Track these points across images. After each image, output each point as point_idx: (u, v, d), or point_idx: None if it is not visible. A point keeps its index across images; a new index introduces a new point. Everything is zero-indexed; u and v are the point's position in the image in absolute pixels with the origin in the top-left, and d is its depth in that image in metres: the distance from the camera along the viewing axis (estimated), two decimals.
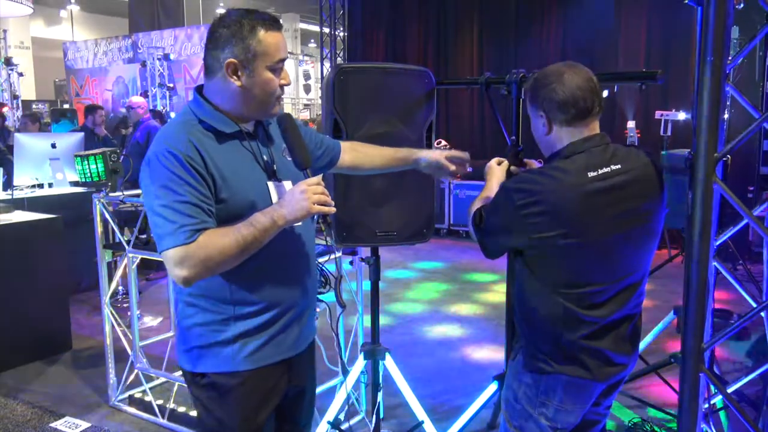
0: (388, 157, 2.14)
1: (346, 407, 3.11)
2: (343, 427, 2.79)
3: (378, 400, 2.81)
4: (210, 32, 1.59)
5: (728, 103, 5.31)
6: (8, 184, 5.37)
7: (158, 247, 1.53)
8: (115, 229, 3.48)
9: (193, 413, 3.09)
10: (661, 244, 6.08)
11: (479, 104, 9.04)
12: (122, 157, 3.80)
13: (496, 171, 1.99)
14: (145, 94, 11.61)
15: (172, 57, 12.04)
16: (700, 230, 1.75)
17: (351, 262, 3.36)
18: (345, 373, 2.77)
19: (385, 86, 2.51)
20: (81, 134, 6.04)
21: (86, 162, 3.57)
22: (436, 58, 9.45)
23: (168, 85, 11.73)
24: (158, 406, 3.35)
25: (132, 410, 3.48)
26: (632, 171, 1.70)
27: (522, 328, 1.84)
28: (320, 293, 2.45)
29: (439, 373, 3.98)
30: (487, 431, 3.16)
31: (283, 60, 1.61)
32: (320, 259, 2.61)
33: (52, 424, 3.34)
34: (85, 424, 3.35)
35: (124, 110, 7.66)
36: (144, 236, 3.33)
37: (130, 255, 3.37)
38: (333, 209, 1.57)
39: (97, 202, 3.45)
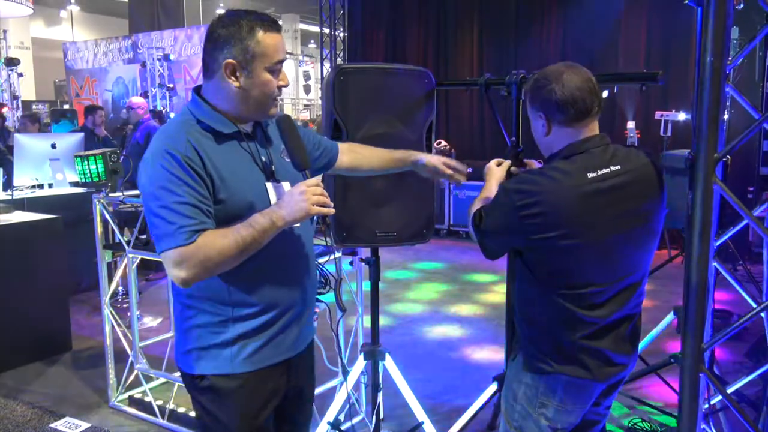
0: (386, 159, 2.14)
1: (347, 408, 3.11)
2: (343, 427, 2.79)
3: (378, 401, 2.81)
4: (208, 33, 1.59)
5: (728, 104, 5.32)
6: (8, 185, 5.37)
7: (157, 248, 1.53)
8: (115, 229, 3.48)
9: (193, 414, 3.09)
10: (661, 244, 6.08)
11: (479, 105, 9.04)
12: (122, 157, 3.80)
13: (496, 172, 1.99)
14: (145, 95, 11.60)
15: (172, 57, 12.03)
16: (700, 230, 1.75)
17: (351, 263, 3.36)
18: (345, 374, 2.77)
19: (385, 87, 2.51)
20: (81, 135, 6.04)
21: (86, 162, 3.57)
22: (436, 58, 9.45)
23: (168, 85, 11.72)
24: (158, 406, 3.35)
25: (132, 411, 3.48)
26: (632, 172, 1.70)
27: (522, 329, 1.84)
28: (320, 293, 2.45)
29: (439, 373, 3.98)
30: None
31: (281, 61, 1.61)
32: (320, 260, 2.61)
33: (52, 425, 3.34)
34: (84, 425, 3.35)
35: (125, 111, 7.64)
36: (144, 237, 3.33)
37: (130, 255, 3.37)
38: (332, 210, 1.57)
39: (97, 203, 3.45)
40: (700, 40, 1.70)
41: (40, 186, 5.49)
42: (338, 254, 3.10)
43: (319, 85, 17.48)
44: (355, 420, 3.25)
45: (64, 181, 5.56)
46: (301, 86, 22.63)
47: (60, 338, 4.40)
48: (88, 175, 3.58)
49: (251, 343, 1.64)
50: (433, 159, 2.13)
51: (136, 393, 3.50)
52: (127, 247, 3.35)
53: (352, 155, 2.09)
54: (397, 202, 2.57)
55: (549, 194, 1.63)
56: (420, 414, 2.81)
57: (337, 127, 2.44)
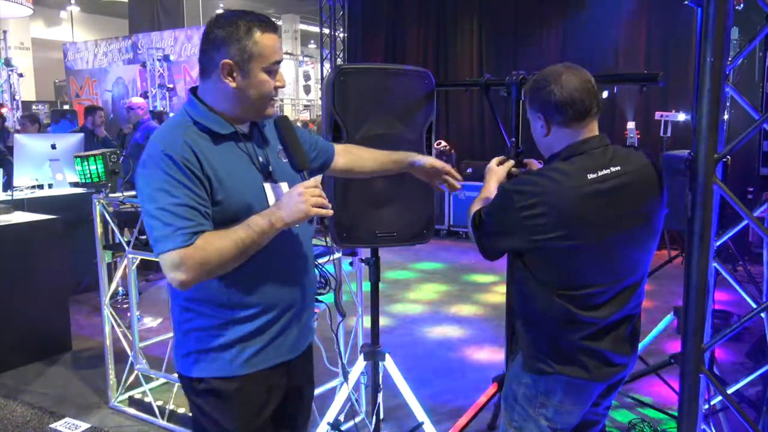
0: (383, 161, 2.13)
1: (347, 408, 3.11)
2: (343, 428, 2.79)
3: (378, 401, 2.81)
4: (205, 33, 1.58)
5: (728, 104, 5.31)
6: (8, 185, 5.37)
7: (154, 250, 1.51)
8: (115, 229, 3.48)
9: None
10: (661, 244, 6.08)
11: (479, 105, 9.04)
12: (122, 157, 3.80)
13: (497, 172, 1.99)
14: (145, 95, 11.62)
15: (172, 58, 12.03)
16: (700, 231, 1.75)
17: (351, 263, 3.37)
18: (345, 376, 2.77)
19: (385, 87, 2.51)
20: (81, 135, 6.04)
21: (86, 163, 3.57)
22: (435, 58, 9.45)
23: (168, 86, 11.73)
24: (158, 407, 3.35)
25: (132, 411, 3.48)
26: (632, 172, 1.70)
27: (522, 329, 1.84)
28: (320, 294, 2.45)
29: (439, 374, 3.98)
30: None
31: (278, 62, 1.61)
32: (320, 260, 2.61)
33: (52, 425, 3.34)
34: (84, 425, 3.35)
35: (126, 119, 7.64)
36: (144, 237, 3.33)
37: (130, 256, 3.37)
38: (330, 212, 1.56)
39: (97, 203, 3.45)
40: (700, 40, 1.70)
41: (40, 186, 5.49)
42: (338, 254, 3.10)
43: (319, 86, 17.47)
44: (355, 420, 3.25)
45: (64, 182, 5.56)
46: (301, 87, 22.64)
47: (60, 338, 4.40)
48: (88, 175, 3.58)
49: (251, 345, 1.63)
50: (428, 161, 2.12)
51: (136, 393, 3.50)
52: (127, 248, 3.35)
53: (348, 156, 2.08)
54: (397, 202, 2.57)
55: (549, 195, 1.63)
56: (420, 414, 2.81)
57: (336, 127, 2.44)
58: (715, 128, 1.70)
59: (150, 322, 4.89)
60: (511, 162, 2.02)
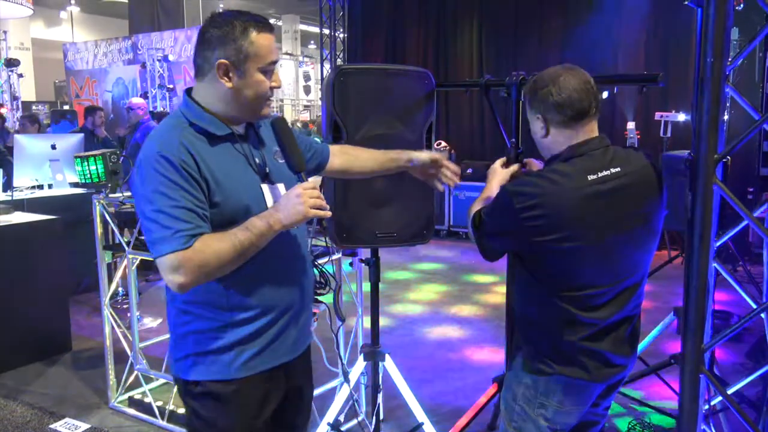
0: (379, 160, 2.11)
1: (347, 409, 3.11)
2: (343, 428, 2.79)
3: (378, 402, 2.81)
4: (201, 33, 1.57)
5: (728, 105, 5.31)
6: (8, 186, 5.37)
7: (152, 252, 1.50)
8: (115, 230, 3.48)
9: None
10: (661, 245, 6.07)
11: (479, 106, 9.04)
12: (122, 158, 3.80)
13: (499, 173, 1.99)
14: (145, 96, 11.62)
15: (171, 58, 12.04)
16: (700, 231, 1.75)
17: (351, 264, 3.36)
18: (346, 377, 2.77)
19: (385, 87, 2.51)
20: (81, 135, 6.04)
21: (86, 163, 3.57)
22: (435, 59, 9.45)
23: (168, 86, 11.73)
24: (158, 407, 3.35)
25: (132, 411, 3.48)
26: (632, 174, 1.70)
27: (522, 330, 1.84)
28: (320, 294, 2.45)
29: (439, 374, 3.98)
30: None
31: (274, 62, 1.60)
32: (320, 261, 2.61)
33: (52, 426, 3.34)
34: (84, 426, 3.35)
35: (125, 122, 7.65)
36: (144, 237, 3.33)
37: (130, 256, 3.37)
38: (329, 213, 1.56)
39: (97, 203, 3.45)
40: (700, 40, 1.70)
41: (40, 187, 5.49)
42: (338, 255, 3.10)
43: (319, 86, 17.49)
44: (355, 421, 3.25)
45: (63, 182, 5.56)
46: (301, 87, 22.64)
47: (60, 339, 4.40)
48: (88, 175, 3.58)
49: (249, 348, 1.62)
50: (427, 155, 2.10)
51: (136, 394, 3.50)
52: (126, 248, 3.35)
53: (344, 157, 2.07)
54: (397, 202, 2.57)
55: (549, 197, 1.63)
56: (420, 415, 2.81)
57: (337, 128, 2.44)
58: (715, 128, 1.70)
59: (150, 322, 4.89)
60: (516, 166, 2.02)
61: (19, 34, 17.33)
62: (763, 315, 2.02)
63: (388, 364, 2.77)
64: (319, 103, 18.30)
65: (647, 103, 7.57)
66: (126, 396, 3.56)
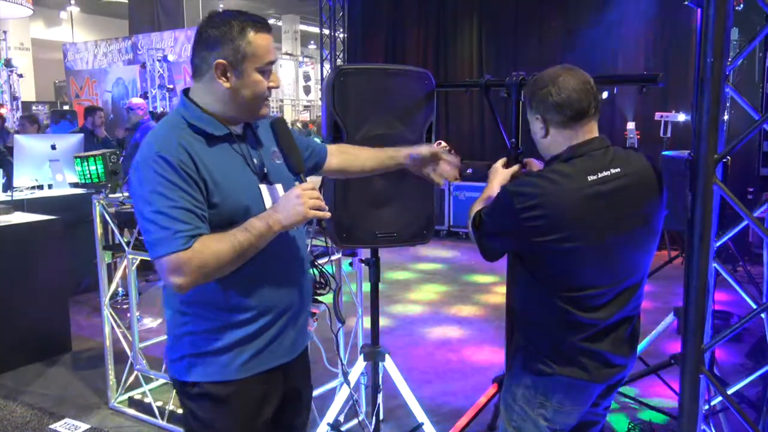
0: (377, 158, 2.09)
1: (347, 409, 3.11)
2: (343, 428, 2.79)
3: (378, 402, 2.81)
4: (198, 33, 1.57)
5: (728, 105, 5.31)
6: (8, 186, 5.37)
7: (151, 253, 1.49)
8: (115, 230, 3.48)
9: None
10: (661, 245, 6.07)
11: (479, 106, 9.05)
12: (122, 158, 3.80)
13: (500, 173, 1.99)
14: (145, 96, 11.62)
15: (171, 58, 12.03)
16: (700, 231, 1.75)
17: (351, 264, 3.36)
18: (346, 377, 2.76)
19: (385, 88, 2.51)
20: (81, 135, 6.04)
21: (86, 163, 3.57)
22: (435, 59, 9.45)
23: (168, 86, 11.73)
24: (158, 407, 3.35)
25: (131, 412, 3.48)
26: (632, 174, 1.70)
27: (522, 330, 1.84)
28: (320, 294, 2.45)
29: (439, 374, 3.98)
30: None
31: (272, 62, 1.59)
32: (320, 261, 2.61)
33: (52, 426, 3.34)
34: (84, 426, 3.35)
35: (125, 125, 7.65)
36: (142, 238, 3.33)
37: (130, 256, 3.37)
38: (328, 214, 1.56)
39: (97, 204, 3.45)
40: (700, 40, 1.70)
41: (40, 187, 5.49)
42: (338, 255, 3.10)
43: (319, 86, 17.49)
44: (355, 421, 3.25)
45: (63, 182, 5.56)
46: (301, 87, 22.65)
47: (60, 339, 4.40)
48: (88, 176, 3.58)
49: (247, 349, 1.61)
50: (425, 148, 2.08)
51: (136, 394, 3.50)
52: (126, 248, 3.35)
53: (341, 156, 2.06)
54: (397, 202, 2.57)
55: (550, 197, 1.63)
56: (420, 415, 2.81)
57: (336, 128, 2.43)
58: (715, 129, 1.70)
59: (150, 322, 4.88)
60: (517, 166, 2.02)
61: (19, 34, 17.34)
62: (763, 315, 2.02)
63: (388, 365, 2.77)
64: (319, 103, 18.30)
65: (647, 103, 7.56)
66: (126, 396, 3.56)
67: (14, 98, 11.84)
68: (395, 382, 2.81)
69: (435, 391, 3.69)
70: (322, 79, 12.33)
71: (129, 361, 3.51)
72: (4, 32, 13.47)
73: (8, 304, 4.08)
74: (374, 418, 2.83)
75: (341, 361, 2.67)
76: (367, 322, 2.96)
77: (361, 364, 2.83)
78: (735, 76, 1.87)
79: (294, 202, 1.52)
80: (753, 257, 5.53)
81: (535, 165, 2.06)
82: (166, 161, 1.47)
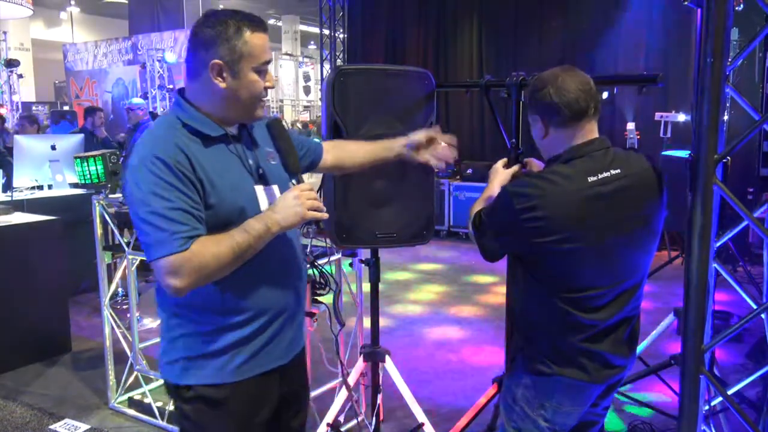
0: (372, 151, 2.08)
1: (346, 409, 3.11)
2: (343, 429, 2.78)
3: (378, 402, 2.80)
4: (193, 33, 1.55)
5: (728, 105, 5.31)
6: (8, 186, 5.37)
7: (147, 256, 1.47)
8: (115, 230, 3.48)
9: None
10: (661, 245, 6.07)
11: (479, 106, 9.04)
12: (121, 158, 3.80)
13: (500, 173, 1.99)
14: (145, 96, 11.62)
15: (170, 59, 12.02)
16: (700, 232, 1.74)
17: (351, 264, 3.36)
18: (345, 377, 2.76)
19: (385, 88, 2.51)
20: (81, 136, 6.04)
21: (86, 163, 3.57)
22: (435, 59, 9.45)
23: (168, 86, 11.74)
24: (158, 408, 3.34)
25: (131, 412, 3.48)
26: (632, 176, 1.70)
27: (521, 331, 1.84)
28: (319, 295, 2.45)
29: (439, 374, 3.98)
30: None
31: (268, 62, 1.58)
32: (319, 261, 2.61)
33: (52, 426, 3.34)
34: (84, 426, 3.35)
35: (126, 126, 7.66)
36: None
37: (130, 257, 3.37)
38: (326, 215, 1.55)
39: (97, 204, 3.45)
40: (700, 40, 1.70)
41: (40, 187, 5.49)
42: (337, 256, 3.10)
43: (319, 87, 17.49)
44: (355, 422, 3.24)
45: (63, 183, 5.56)
46: (301, 88, 22.65)
47: (60, 339, 4.40)
48: (88, 176, 3.58)
49: (243, 351, 1.59)
50: (421, 133, 2.07)
51: (136, 394, 3.50)
52: (126, 249, 3.35)
53: (336, 152, 2.05)
54: (397, 202, 2.57)
55: (550, 198, 1.63)
56: (420, 415, 2.80)
57: (336, 128, 2.43)
58: (715, 129, 1.70)
59: (150, 322, 4.88)
60: (518, 167, 2.02)
61: (19, 35, 17.34)
62: (763, 315, 2.02)
63: (388, 365, 2.77)
64: (319, 103, 18.31)
65: (647, 104, 7.56)
66: (126, 396, 3.56)
67: (14, 98, 11.83)
68: (395, 383, 2.81)
69: (435, 391, 3.69)
70: (322, 79, 12.34)
71: (129, 362, 3.51)
72: (4, 32, 13.47)
73: (8, 304, 4.08)
74: (374, 418, 2.83)
75: (341, 360, 2.67)
76: (366, 323, 2.96)
77: (360, 364, 2.83)
78: (735, 76, 1.86)
79: (292, 203, 1.52)
80: (753, 257, 5.53)
81: (536, 165, 2.06)
82: (162, 162, 1.45)
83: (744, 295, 1.97)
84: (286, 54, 22.38)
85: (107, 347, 3.57)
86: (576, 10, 8.13)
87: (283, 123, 1.79)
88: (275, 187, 1.66)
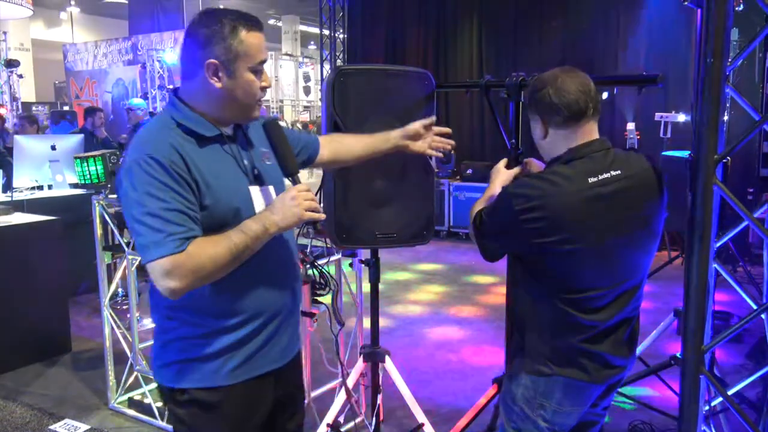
0: (369, 143, 2.08)
1: (346, 410, 3.11)
2: (343, 429, 2.78)
3: (378, 403, 2.80)
4: (188, 32, 1.53)
5: (728, 105, 5.31)
6: (8, 186, 5.37)
7: (143, 257, 1.44)
8: (115, 231, 3.48)
9: None
10: (661, 246, 6.05)
11: (479, 106, 9.05)
12: (121, 159, 3.80)
13: (502, 173, 1.99)
14: (145, 96, 11.62)
15: (169, 60, 12.02)
16: (700, 232, 1.75)
17: (351, 264, 3.36)
18: (345, 378, 2.76)
19: (385, 88, 2.51)
20: (80, 136, 6.04)
21: (86, 164, 3.57)
22: (435, 59, 9.45)
23: (168, 87, 11.73)
24: (157, 408, 3.35)
25: (131, 412, 3.48)
26: (632, 176, 1.70)
27: (521, 331, 1.84)
28: (319, 295, 2.45)
29: (439, 375, 3.98)
30: None
31: (263, 62, 1.56)
32: (319, 261, 2.61)
33: (52, 427, 3.34)
34: (84, 427, 3.34)
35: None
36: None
37: (130, 257, 3.37)
38: (323, 215, 1.54)
39: (97, 204, 3.45)
40: (700, 40, 1.70)
41: (40, 187, 5.49)
42: (337, 256, 3.10)
43: (319, 87, 17.49)
44: (355, 422, 3.24)
45: (63, 183, 5.57)
46: (301, 88, 22.65)
47: (60, 340, 4.40)
48: (88, 176, 3.58)
49: (237, 355, 1.58)
50: (416, 124, 2.08)
51: (136, 395, 3.50)
52: (126, 249, 3.35)
53: (331, 146, 2.04)
54: (397, 202, 2.57)
55: (550, 199, 1.63)
56: (420, 416, 2.80)
57: (337, 128, 2.43)
58: (715, 129, 1.70)
59: (149, 323, 4.85)
60: (519, 167, 2.03)
61: (19, 35, 17.35)
62: (763, 316, 2.02)
63: (388, 365, 2.77)
64: (319, 103, 18.31)
65: (647, 104, 7.56)
66: (126, 397, 3.56)
67: (14, 99, 11.83)
68: (395, 383, 2.81)
69: (435, 391, 3.69)
70: (322, 79, 12.33)
71: (129, 362, 3.51)
72: (4, 33, 13.47)
73: (8, 305, 4.08)
74: (374, 418, 2.83)
75: (341, 360, 2.67)
76: (366, 323, 2.96)
77: (360, 364, 2.83)
78: (735, 77, 1.87)
79: (290, 203, 1.51)
80: (753, 258, 5.53)
81: (536, 165, 2.06)
82: (157, 162, 1.43)
83: (744, 296, 1.98)
84: (286, 54, 22.38)
85: (107, 347, 3.57)
86: (576, 10, 8.13)
87: (282, 123, 1.78)
88: (271, 188, 1.65)
